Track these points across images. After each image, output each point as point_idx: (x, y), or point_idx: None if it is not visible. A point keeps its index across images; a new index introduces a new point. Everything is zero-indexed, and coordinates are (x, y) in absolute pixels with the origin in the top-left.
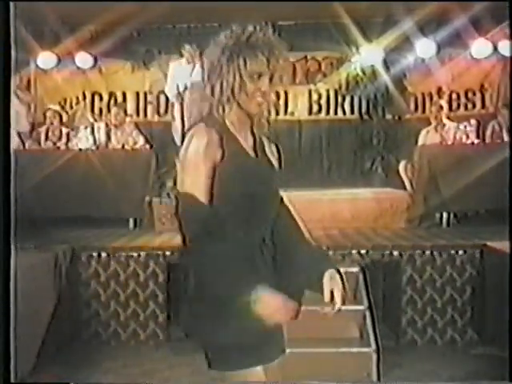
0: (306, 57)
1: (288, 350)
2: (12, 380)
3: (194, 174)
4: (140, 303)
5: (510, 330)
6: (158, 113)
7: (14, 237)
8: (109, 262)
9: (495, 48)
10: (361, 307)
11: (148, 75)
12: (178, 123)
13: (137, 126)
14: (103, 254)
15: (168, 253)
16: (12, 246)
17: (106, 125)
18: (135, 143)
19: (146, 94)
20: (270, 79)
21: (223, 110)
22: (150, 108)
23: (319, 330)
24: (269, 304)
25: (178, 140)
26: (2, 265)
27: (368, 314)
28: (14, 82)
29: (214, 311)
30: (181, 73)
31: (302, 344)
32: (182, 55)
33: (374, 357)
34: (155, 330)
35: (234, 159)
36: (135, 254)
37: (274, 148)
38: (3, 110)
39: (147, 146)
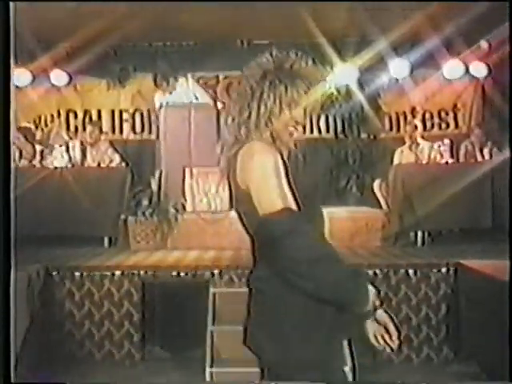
0: None
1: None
2: (12, 380)
3: (277, 187)
4: (115, 323)
5: (510, 331)
6: (134, 131)
7: None
8: (83, 282)
9: (467, 69)
10: None
11: (123, 93)
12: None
13: (112, 144)
14: (77, 274)
15: (143, 272)
16: None
17: (81, 143)
18: (110, 161)
19: (121, 112)
20: (304, 110)
21: (261, 135)
22: (125, 126)
23: None
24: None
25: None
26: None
27: None
28: None
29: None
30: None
31: None
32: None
33: (350, 375)
34: (130, 350)
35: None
36: (110, 274)
37: None
38: (3, 110)
39: (123, 164)
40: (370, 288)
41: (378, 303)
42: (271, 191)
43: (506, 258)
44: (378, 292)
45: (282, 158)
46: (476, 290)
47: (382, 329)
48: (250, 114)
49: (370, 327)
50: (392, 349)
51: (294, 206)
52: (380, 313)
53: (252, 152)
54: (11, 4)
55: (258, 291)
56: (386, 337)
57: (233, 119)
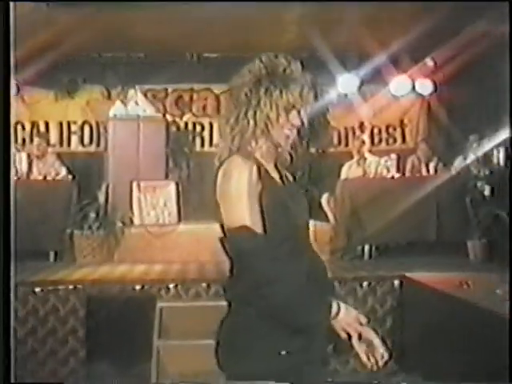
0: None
1: None
2: (12, 380)
3: (243, 206)
4: (59, 339)
5: (510, 333)
6: (82, 143)
7: None
8: (27, 297)
9: (413, 86)
10: None
11: (72, 105)
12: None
13: (59, 156)
14: (21, 289)
15: (89, 286)
16: None
17: (28, 155)
18: (57, 174)
19: (69, 124)
20: (298, 112)
21: (256, 143)
22: (73, 138)
23: None
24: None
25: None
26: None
27: None
28: None
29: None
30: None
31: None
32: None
33: None
34: (75, 367)
35: (273, 190)
36: (55, 289)
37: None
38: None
39: (69, 177)
40: (335, 306)
41: (364, 321)
42: (237, 207)
43: (450, 270)
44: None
45: (260, 175)
46: (421, 303)
47: (370, 347)
48: (248, 122)
49: (360, 348)
50: (378, 366)
51: (256, 226)
52: (366, 330)
53: (230, 168)
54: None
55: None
56: (376, 353)
57: (231, 129)
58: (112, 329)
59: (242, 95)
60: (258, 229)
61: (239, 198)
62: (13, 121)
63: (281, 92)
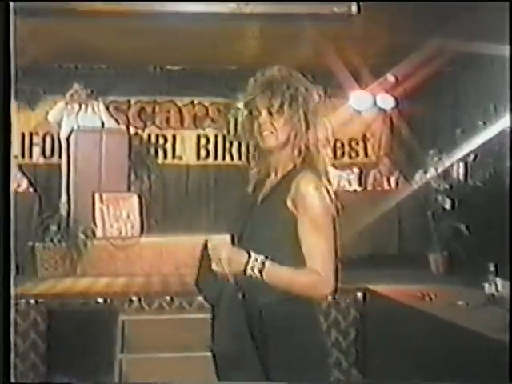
0: (193, 102)
1: None
2: (12, 380)
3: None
4: (19, 354)
5: (511, 333)
6: (44, 155)
7: None
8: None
9: (375, 101)
10: None
11: (33, 116)
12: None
13: (21, 168)
14: None
15: (50, 300)
16: None
17: None
18: (18, 186)
19: (31, 135)
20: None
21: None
22: (35, 150)
23: None
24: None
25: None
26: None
27: None
28: None
29: None
30: (70, 114)
31: None
32: (71, 95)
33: None
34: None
35: None
36: (15, 303)
37: None
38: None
39: (31, 189)
40: None
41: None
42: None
43: (412, 282)
44: None
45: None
46: (384, 315)
47: None
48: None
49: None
50: None
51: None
52: None
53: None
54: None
55: None
56: None
57: (295, 135)
58: (74, 343)
59: (286, 94)
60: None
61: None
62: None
63: (306, 89)
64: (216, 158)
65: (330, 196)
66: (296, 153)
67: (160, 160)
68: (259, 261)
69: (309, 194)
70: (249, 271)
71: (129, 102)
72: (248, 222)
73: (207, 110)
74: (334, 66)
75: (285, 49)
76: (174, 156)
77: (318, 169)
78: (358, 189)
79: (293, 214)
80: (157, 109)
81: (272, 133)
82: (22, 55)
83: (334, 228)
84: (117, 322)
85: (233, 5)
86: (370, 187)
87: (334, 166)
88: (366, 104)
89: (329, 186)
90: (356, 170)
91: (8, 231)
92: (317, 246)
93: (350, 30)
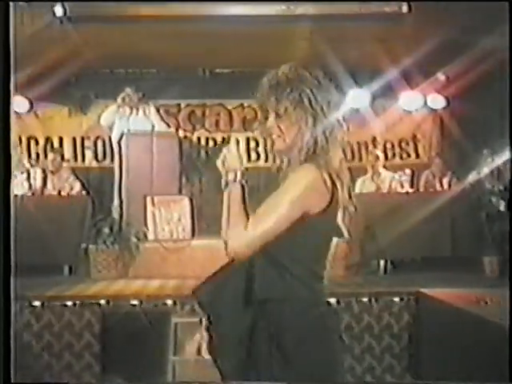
0: (242, 104)
1: None
2: (12, 380)
3: None
4: (75, 354)
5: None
6: (96, 158)
7: None
8: (42, 312)
9: (425, 101)
10: None
11: (85, 120)
12: (116, 171)
13: (74, 171)
14: (36, 304)
15: (103, 301)
16: None
17: (43, 170)
18: (71, 189)
19: (83, 139)
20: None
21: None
22: (87, 153)
23: None
24: None
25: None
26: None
27: None
28: None
29: None
30: (121, 117)
31: None
32: (123, 99)
33: None
34: (90, 382)
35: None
36: (70, 303)
37: None
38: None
39: (83, 192)
40: None
41: None
42: None
43: (466, 286)
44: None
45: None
46: (436, 319)
47: None
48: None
49: None
50: None
51: None
52: None
53: None
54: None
55: None
56: None
57: (302, 138)
58: (127, 344)
59: (297, 93)
60: None
61: None
62: (26, 136)
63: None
64: (266, 160)
65: (326, 186)
66: (303, 155)
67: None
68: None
69: (303, 169)
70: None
71: (179, 105)
72: None
73: (256, 112)
74: (384, 66)
75: (335, 50)
76: None
77: (320, 164)
78: (410, 190)
79: None
80: (206, 112)
81: (279, 136)
82: (75, 61)
83: (304, 219)
84: (169, 324)
85: (283, 6)
86: (422, 189)
87: (385, 167)
88: (416, 104)
89: (328, 180)
90: (408, 171)
91: (8, 231)
92: (272, 209)
93: (401, 29)
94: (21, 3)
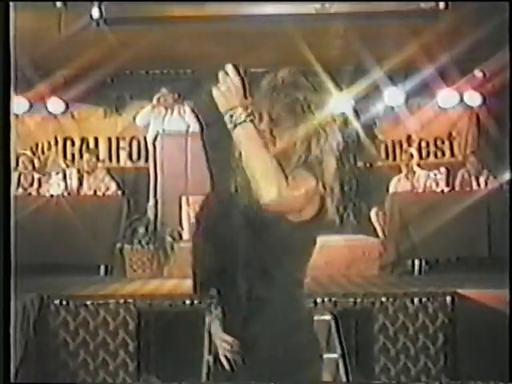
0: None
1: None
2: (12, 380)
3: None
4: (110, 352)
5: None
6: (131, 158)
7: None
8: (78, 311)
9: (461, 98)
10: (333, 355)
11: (120, 121)
12: (151, 171)
13: (109, 171)
14: (72, 302)
15: (138, 300)
16: None
17: (78, 170)
18: (107, 189)
19: (118, 140)
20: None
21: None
22: (122, 154)
23: None
24: None
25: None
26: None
27: (341, 362)
28: None
29: None
30: (156, 118)
31: None
32: (158, 99)
33: (341, 362)
34: (125, 379)
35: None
36: (105, 302)
37: None
38: (3, 128)
39: (119, 193)
40: None
41: None
42: None
43: (503, 287)
44: None
45: None
46: (473, 320)
47: None
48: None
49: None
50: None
51: None
52: None
53: None
54: (11, 4)
55: None
56: None
57: (294, 144)
58: (162, 342)
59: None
60: None
61: None
62: (62, 136)
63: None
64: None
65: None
66: (294, 161)
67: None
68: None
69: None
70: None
71: None
72: None
73: None
74: (420, 64)
75: (370, 48)
76: None
77: (316, 174)
78: (446, 189)
79: None
80: None
81: (272, 141)
82: (110, 62)
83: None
84: (204, 323)
85: (317, 5)
86: (457, 187)
87: (419, 166)
88: (452, 101)
89: (321, 190)
90: (443, 169)
91: (8, 231)
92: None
93: (437, 26)
94: (58, 6)
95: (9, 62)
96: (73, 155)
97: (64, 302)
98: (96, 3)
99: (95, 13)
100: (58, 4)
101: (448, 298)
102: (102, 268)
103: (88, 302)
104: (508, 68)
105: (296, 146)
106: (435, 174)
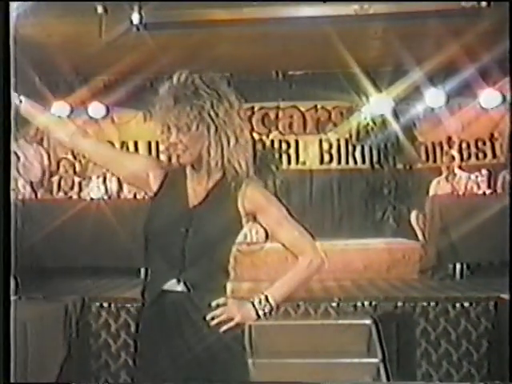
0: (316, 106)
1: None
2: (12, 380)
3: None
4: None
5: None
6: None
7: (23, 287)
8: (119, 313)
9: (504, 98)
10: (374, 360)
11: None
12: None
13: None
14: (114, 305)
15: None
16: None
17: None
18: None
19: (157, 144)
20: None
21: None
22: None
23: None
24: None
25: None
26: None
27: (382, 367)
28: (27, 132)
29: None
30: None
31: None
32: None
33: (382, 367)
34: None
35: None
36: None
37: None
38: (2, 128)
39: None
40: None
41: None
42: None
43: None
44: None
45: None
46: None
47: None
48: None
49: None
50: None
51: None
52: None
53: None
54: (11, 3)
55: None
56: None
57: (208, 151)
58: None
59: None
60: None
61: None
62: (106, 140)
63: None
64: (339, 162)
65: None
66: (213, 166)
67: (284, 165)
68: (262, 299)
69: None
70: (261, 314)
71: (252, 108)
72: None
73: (330, 114)
74: (461, 64)
75: (408, 48)
76: (297, 161)
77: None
78: (487, 191)
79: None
80: (280, 114)
81: (184, 151)
82: (150, 67)
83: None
84: (243, 326)
85: (356, 6)
86: (499, 189)
87: (460, 167)
88: (494, 102)
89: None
90: (484, 171)
91: (8, 233)
92: (291, 233)
93: (478, 25)
94: (99, 11)
95: (9, 62)
96: None
97: (105, 305)
98: (136, 8)
99: (135, 18)
100: (99, 9)
101: (491, 303)
102: (143, 271)
103: (129, 305)
104: None
105: (211, 151)
106: (476, 176)
